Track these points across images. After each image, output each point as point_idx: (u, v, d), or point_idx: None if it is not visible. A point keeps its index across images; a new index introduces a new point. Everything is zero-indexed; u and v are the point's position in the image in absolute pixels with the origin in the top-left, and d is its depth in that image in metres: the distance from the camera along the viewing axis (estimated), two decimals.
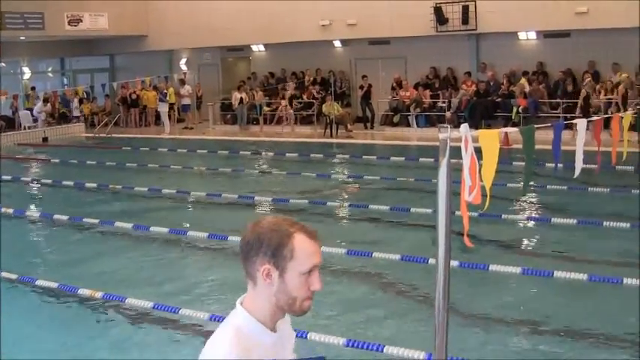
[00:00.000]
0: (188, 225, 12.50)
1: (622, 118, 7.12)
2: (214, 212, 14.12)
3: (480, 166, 3.76)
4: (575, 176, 6.47)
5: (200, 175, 18.70)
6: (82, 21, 30.32)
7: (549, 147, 6.38)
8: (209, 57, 35.50)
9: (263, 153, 23.16)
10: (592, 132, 7.64)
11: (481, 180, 3.80)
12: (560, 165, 7.65)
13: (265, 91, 32.35)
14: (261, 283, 2.74)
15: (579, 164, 5.92)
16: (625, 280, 8.57)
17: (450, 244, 3.69)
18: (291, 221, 2.85)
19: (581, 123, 6.15)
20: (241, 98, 30.86)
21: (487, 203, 3.89)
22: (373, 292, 8.86)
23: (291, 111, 30.31)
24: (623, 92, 22.58)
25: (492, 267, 9.27)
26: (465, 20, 27.68)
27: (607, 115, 9.91)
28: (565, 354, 6.92)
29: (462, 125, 3.56)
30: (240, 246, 2.80)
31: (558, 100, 26.51)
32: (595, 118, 7.78)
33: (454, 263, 9.17)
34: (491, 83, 28.11)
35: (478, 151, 3.79)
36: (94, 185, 16.93)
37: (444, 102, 28.31)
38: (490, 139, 3.75)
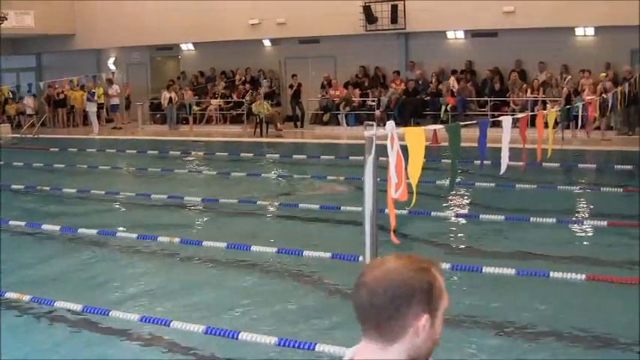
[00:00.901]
0: (118, 226, 12.37)
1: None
2: (144, 213, 13.99)
3: (407, 163, 3.80)
4: (501, 173, 6.61)
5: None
6: (7, 19, 29.72)
7: (477, 144, 6.51)
8: (137, 56, 35.17)
9: (193, 153, 23.02)
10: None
11: (407, 177, 3.84)
12: (487, 162, 7.75)
13: (195, 91, 32.16)
14: (408, 338, 2.25)
15: (505, 161, 6.02)
16: (551, 274, 8.73)
17: (377, 241, 3.72)
18: (412, 256, 2.31)
19: (506, 120, 6.24)
20: (170, 98, 30.65)
21: (414, 200, 3.93)
22: (304, 291, 8.87)
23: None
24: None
25: None
26: (394, 19, 27.89)
27: (532, 113, 10.07)
28: (494, 348, 7.00)
29: (388, 123, 3.60)
30: (370, 305, 2.25)
31: (486, 99, 26.84)
32: (519, 115, 7.89)
33: None
34: (420, 82, 28.36)
35: (406, 149, 3.84)
36: (21, 187, 16.65)
37: (373, 101, 28.45)
38: (416, 136, 3.79)
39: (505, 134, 6.24)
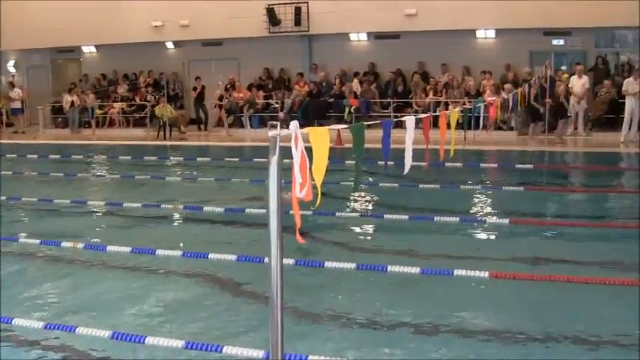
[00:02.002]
0: (20, 232, 12.08)
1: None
2: (47, 218, 13.70)
3: (311, 163, 3.80)
4: (405, 173, 6.66)
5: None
6: None
7: (381, 145, 6.56)
8: (38, 59, 34.47)
9: (96, 157, 22.67)
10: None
11: (312, 179, 3.84)
12: (392, 162, 7.81)
13: (97, 94, 31.69)
14: None
15: (409, 161, 6.07)
16: (455, 272, 8.84)
17: (282, 242, 3.71)
18: None
19: (409, 121, 6.30)
20: (72, 101, 30.17)
21: (318, 200, 3.93)
22: (210, 294, 8.80)
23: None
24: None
25: (328, 264, 9.36)
26: (298, 22, 28.00)
27: (435, 114, 10.21)
28: (398, 347, 7.04)
29: (292, 122, 3.59)
30: None
31: (389, 100, 27.10)
32: (423, 115, 7.97)
33: (290, 261, 9.24)
34: (324, 84, 28.50)
35: (310, 150, 3.83)
36: None
37: (277, 103, 28.47)
38: (320, 136, 3.80)
39: (408, 134, 6.30)
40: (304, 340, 7.14)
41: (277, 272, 3.77)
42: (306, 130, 3.76)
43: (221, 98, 28.85)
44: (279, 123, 3.52)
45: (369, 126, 5.41)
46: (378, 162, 8.87)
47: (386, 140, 5.94)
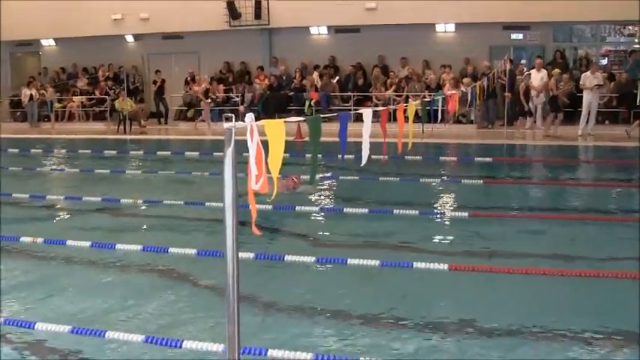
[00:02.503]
0: None
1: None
2: (6, 213, 13.56)
3: (267, 155, 3.81)
4: (362, 165, 6.68)
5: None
6: None
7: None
8: None
9: (55, 151, 22.48)
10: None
11: (269, 172, 3.85)
12: (351, 156, 7.83)
13: (56, 87, 31.42)
14: None
15: (366, 153, 6.09)
16: (415, 264, 8.89)
17: (238, 234, 3.71)
18: None
19: (367, 113, 6.31)
20: (31, 95, 29.90)
21: (274, 192, 3.93)
22: (171, 288, 8.76)
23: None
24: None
25: (288, 257, 9.37)
26: (258, 15, 27.97)
27: (393, 107, 10.23)
28: (358, 340, 7.06)
29: (247, 115, 3.59)
30: None
31: (349, 94, 27.15)
32: (380, 108, 7.99)
33: (250, 255, 9.24)
34: (284, 77, 28.48)
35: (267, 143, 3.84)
36: None
37: (237, 96, 28.39)
38: (275, 128, 3.80)
39: (366, 126, 6.32)
40: (265, 333, 7.14)
41: (233, 265, 3.77)
42: (262, 122, 3.76)
43: (206, 93, 28.54)
44: (233, 115, 3.52)
45: (328, 119, 5.42)
46: (339, 155, 8.89)
47: (343, 133, 5.94)
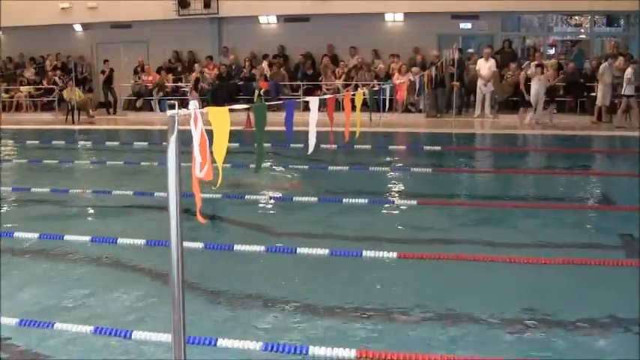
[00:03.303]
0: None
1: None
2: None
3: (212, 143, 3.80)
4: (309, 153, 6.70)
5: None
6: None
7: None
8: None
9: (2, 141, 22.19)
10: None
11: (214, 161, 3.84)
12: (301, 145, 7.85)
13: (3, 77, 31.01)
14: None
15: (312, 141, 6.10)
16: (364, 253, 8.95)
17: (182, 222, 3.71)
18: None
19: (313, 101, 6.32)
20: None
21: (219, 180, 3.93)
22: (120, 279, 8.71)
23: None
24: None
25: (237, 247, 9.38)
26: (207, 4, 27.90)
27: (339, 95, 10.24)
28: (308, 329, 7.08)
29: (191, 102, 3.58)
30: None
31: (299, 83, 27.15)
32: (327, 96, 8.01)
33: (199, 245, 9.24)
34: (234, 67, 28.38)
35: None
36: None
37: (186, 86, 28.26)
38: (220, 116, 3.80)
39: (312, 115, 6.33)
40: (215, 322, 7.15)
41: (177, 254, 3.77)
42: (206, 109, 3.76)
43: (196, 82, 28.23)
44: (176, 102, 3.52)
45: (277, 108, 5.42)
46: (291, 145, 8.91)
47: (289, 121, 5.95)
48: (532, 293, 7.94)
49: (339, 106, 11.34)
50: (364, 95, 10.23)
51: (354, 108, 8.71)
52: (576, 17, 29.22)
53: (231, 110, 3.91)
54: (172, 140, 3.58)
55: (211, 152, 3.78)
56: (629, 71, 22.11)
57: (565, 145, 19.53)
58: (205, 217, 11.03)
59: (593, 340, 6.73)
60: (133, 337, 6.59)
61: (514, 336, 6.82)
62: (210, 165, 3.73)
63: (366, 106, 11.30)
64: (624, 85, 22.20)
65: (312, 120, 6.28)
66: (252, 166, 13.66)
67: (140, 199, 12.74)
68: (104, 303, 7.86)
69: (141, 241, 9.69)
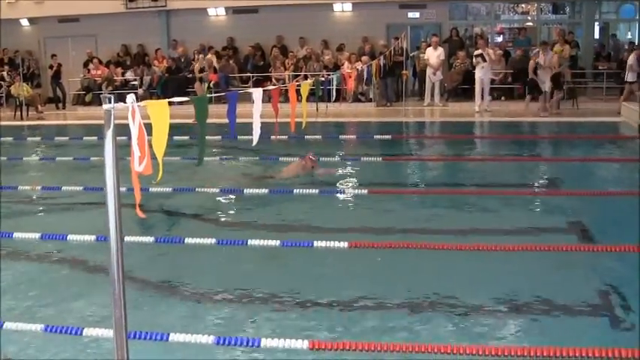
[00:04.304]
0: None
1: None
2: None
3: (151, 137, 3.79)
4: (253, 145, 6.69)
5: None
6: None
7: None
8: None
9: None
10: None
11: (153, 156, 3.83)
12: (250, 136, 7.84)
13: None
14: None
15: (257, 133, 6.10)
16: (315, 243, 8.96)
17: (120, 216, 3.69)
18: None
19: (256, 92, 6.33)
20: None
21: (160, 174, 3.92)
22: (70, 275, 8.65)
23: None
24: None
25: (188, 240, 9.34)
26: None
27: (283, 86, 10.26)
28: (261, 321, 7.08)
29: (128, 96, 3.57)
30: None
31: (248, 75, 27.10)
32: (271, 87, 8.03)
33: (150, 239, 9.20)
34: (183, 59, 28.26)
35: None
36: None
37: (135, 79, 28.08)
38: (159, 109, 3.79)
39: (256, 106, 6.34)
40: (166, 317, 7.12)
41: (117, 248, 3.74)
42: (144, 103, 3.74)
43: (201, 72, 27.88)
44: (112, 96, 3.50)
45: (226, 100, 5.40)
46: (239, 136, 8.90)
47: (232, 113, 5.95)
48: (485, 279, 8.02)
49: (288, 97, 11.34)
50: (311, 85, 10.25)
51: (300, 98, 8.73)
52: (523, 5, 29.50)
53: (175, 103, 3.90)
54: (109, 135, 3.56)
55: (151, 146, 3.77)
56: (632, 58, 22.29)
57: (514, 132, 19.71)
58: (154, 210, 11.02)
59: (552, 325, 6.82)
60: (84, 333, 6.54)
61: (468, 322, 6.87)
62: (150, 159, 3.72)
63: (314, 96, 11.33)
64: (627, 71, 22.35)
65: (256, 111, 6.28)
66: (204, 158, 13.58)
67: (90, 195, 12.62)
68: (54, 301, 7.80)
69: (91, 237, 9.59)
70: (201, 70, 27.36)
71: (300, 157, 13.56)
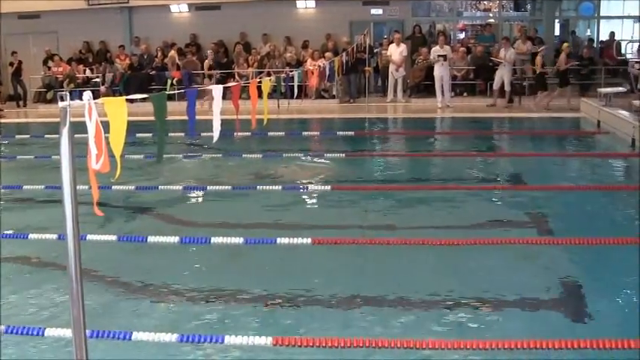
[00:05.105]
0: None
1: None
2: None
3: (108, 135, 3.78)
4: (214, 142, 6.67)
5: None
6: None
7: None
8: None
9: None
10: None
11: (111, 154, 3.81)
12: (211, 133, 7.83)
13: None
14: None
15: (217, 130, 6.09)
16: (278, 240, 8.96)
17: (77, 214, 3.66)
18: None
19: (216, 89, 6.32)
20: None
21: (118, 172, 3.90)
22: (32, 276, 8.58)
23: None
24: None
25: (151, 238, 9.31)
26: None
27: (244, 82, 10.25)
28: (224, 319, 7.07)
29: (85, 93, 3.55)
30: None
31: (212, 71, 27.02)
32: (232, 84, 8.01)
33: (113, 238, 9.16)
34: (145, 56, 28.11)
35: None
36: None
37: (98, 76, 27.89)
38: (116, 106, 3.77)
39: (216, 103, 6.33)
40: (129, 315, 7.10)
41: (74, 247, 3.71)
42: (101, 100, 3.72)
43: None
44: (67, 93, 3.48)
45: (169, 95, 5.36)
46: (202, 133, 8.88)
47: (191, 110, 5.94)
48: (448, 274, 8.07)
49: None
50: (272, 83, 10.25)
51: (262, 95, 8.74)
52: (485, 2, 29.68)
53: (138, 101, 3.88)
54: (64, 132, 3.54)
55: (108, 143, 3.75)
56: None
57: (476, 128, 19.84)
58: (117, 208, 10.97)
59: (512, 318, 6.88)
60: (46, 334, 6.49)
61: (433, 317, 6.91)
62: (107, 157, 3.70)
63: (276, 93, 11.32)
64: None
65: (216, 108, 6.28)
66: (167, 155, 13.54)
67: (51, 193, 12.53)
68: (15, 301, 7.73)
69: (53, 236, 9.52)
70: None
71: None
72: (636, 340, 5.95)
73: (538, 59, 23.12)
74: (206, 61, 27.16)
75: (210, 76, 26.92)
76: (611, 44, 26.30)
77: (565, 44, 24.10)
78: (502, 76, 22.98)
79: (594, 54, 24.95)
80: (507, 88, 23.00)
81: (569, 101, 22.51)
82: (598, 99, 20.00)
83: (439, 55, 23.36)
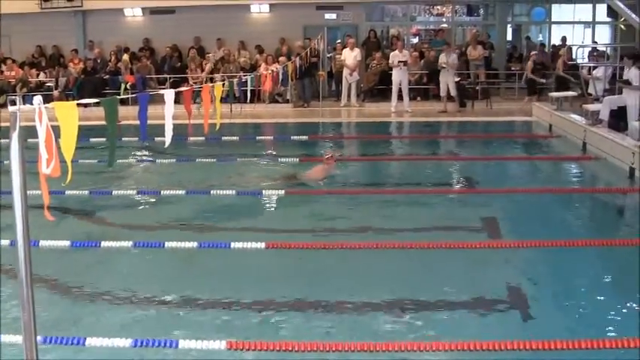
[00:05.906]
0: None
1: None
2: None
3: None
4: (165, 146, 6.67)
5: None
6: None
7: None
8: None
9: None
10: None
11: (62, 158, 3.81)
12: (164, 138, 7.82)
13: None
14: None
15: (169, 134, 6.10)
16: (232, 244, 9.00)
17: (28, 220, 3.66)
18: None
19: (168, 94, 6.32)
20: None
21: (69, 176, 3.90)
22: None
23: None
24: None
25: (104, 243, 9.29)
26: None
27: (196, 87, 10.26)
28: (178, 323, 7.07)
29: (35, 97, 3.56)
30: None
31: (166, 76, 26.92)
32: (184, 89, 8.02)
33: (66, 244, 9.13)
34: (99, 60, 27.93)
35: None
36: None
37: (51, 81, 27.65)
38: (67, 111, 3.77)
39: (167, 108, 6.33)
40: (82, 321, 7.08)
41: (24, 253, 3.70)
42: (52, 104, 3.73)
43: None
44: (17, 98, 3.49)
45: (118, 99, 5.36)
46: (155, 138, 8.86)
47: (142, 114, 5.94)
48: (400, 278, 8.15)
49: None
50: (225, 88, 10.27)
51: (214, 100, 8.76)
52: (438, 7, 29.89)
53: (91, 105, 3.88)
54: (14, 137, 3.55)
55: (59, 148, 3.75)
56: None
57: (429, 132, 19.97)
58: (70, 213, 10.90)
59: (467, 320, 6.96)
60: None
61: (387, 320, 6.98)
62: (58, 161, 3.70)
63: (229, 97, 11.32)
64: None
65: (168, 113, 6.29)
66: (120, 161, 13.51)
67: (4, 199, 12.41)
68: None
69: (5, 242, 9.44)
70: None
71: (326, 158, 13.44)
72: (582, 340, 6.09)
73: (529, 64, 23.37)
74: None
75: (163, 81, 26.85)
76: (563, 49, 26.62)
77: (562, 49, 24.39)
78: (446, 81, 23.20)
79: (546, 58, 25.20)
80: (453, 92, 23.21)
81: (523, 106, 22.75)
82: (550, 103, 20.28)
83: (399, 61, 23.47)
